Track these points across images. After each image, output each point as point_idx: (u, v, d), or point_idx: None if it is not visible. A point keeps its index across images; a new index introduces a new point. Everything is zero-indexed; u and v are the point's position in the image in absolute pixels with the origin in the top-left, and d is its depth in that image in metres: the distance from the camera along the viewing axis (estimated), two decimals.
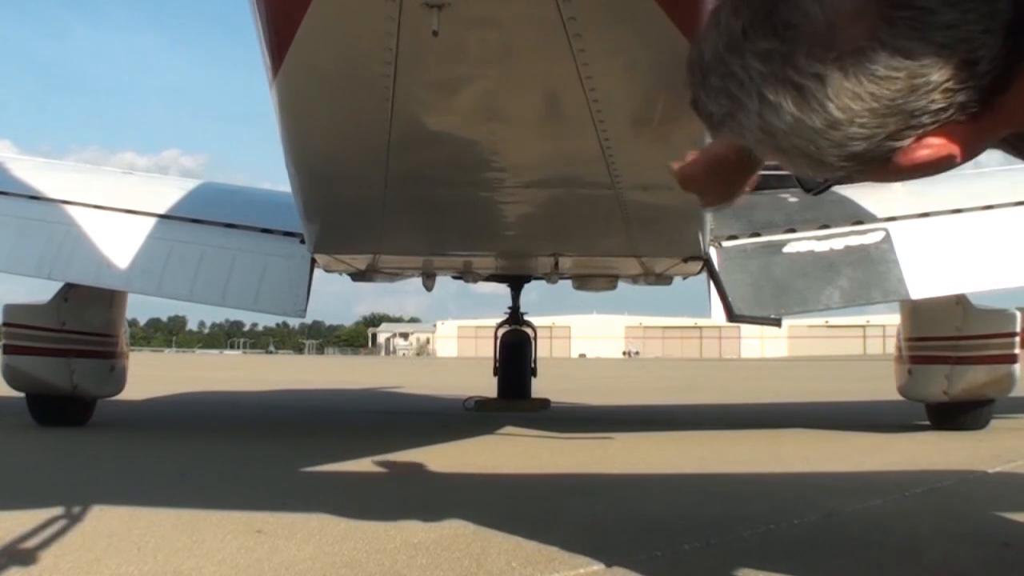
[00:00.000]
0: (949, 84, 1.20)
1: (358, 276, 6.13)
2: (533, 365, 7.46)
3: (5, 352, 5.70)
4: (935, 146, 1.27)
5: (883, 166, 1.28)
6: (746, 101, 1.22)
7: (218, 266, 5.32)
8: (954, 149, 1.29)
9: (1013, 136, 1.50)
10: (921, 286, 5.05)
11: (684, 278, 6.13)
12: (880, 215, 5.17)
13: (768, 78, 1.19)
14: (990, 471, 3.51)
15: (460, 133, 3.14)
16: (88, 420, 5.78)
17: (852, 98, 1.19)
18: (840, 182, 1.40)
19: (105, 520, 2.54)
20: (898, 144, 1.24)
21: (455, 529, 2.40)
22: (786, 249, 5.15)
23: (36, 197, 5.55)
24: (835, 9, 1.19)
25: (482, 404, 7.06)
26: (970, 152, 1.35)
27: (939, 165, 1.31)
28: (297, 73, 2.66)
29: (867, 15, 1.18)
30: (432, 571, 1.99)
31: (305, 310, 5.16)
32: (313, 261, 5.18)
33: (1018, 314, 5.73)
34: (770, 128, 1.22)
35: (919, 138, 1.25)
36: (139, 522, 2.52)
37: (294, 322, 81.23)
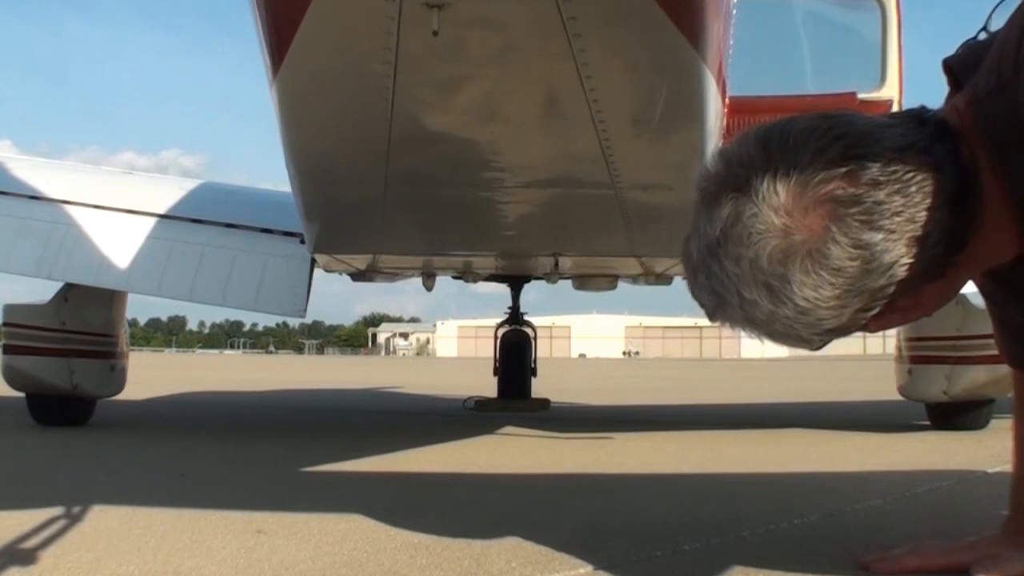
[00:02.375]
0: (903, 260, 1.33)
1: (358, 276, 6.13)
2: (533, 365, 7.46)
3: (5, 352, 5.70)
4: (904, 309, 1.41)
5: (862, 329, 1.43)
6: (728, 298, 1.37)
7: (218, 266, 5.32)
8: (923, 309, 1.45)
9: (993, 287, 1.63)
10: None
11: (684, 278, 6.12)
12: None
13: (742, 279, 1.34)
14: (990, 471, 3.51)
15: (460, 133, 3.14)
16: (88, 420, 5.78)
17: (814, 289, 1.32)
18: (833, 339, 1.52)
19: (105, 520, 2.54)
20: (869, 314, 1.38)
21: (455, 529, 2.39)
22: None
23: (36, 197, 5.55)
24: (788, 214, 1.31)
25: (482, 404, 7.06)
26: (940, 303, 1.56)
27: (911, 320, 1.47)
28: (297, 73, 2.66)
29: (819, 216, 1.31)
30: (432, 571, 1.99)
31: (305, 310, 5.16)
32: (313, 261, 5.18)
33: None
34: (752, 318, 1.38)
35: (888, 304, 1.37)
36: (139, 522, 2.52)
37: (294, 322, 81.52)
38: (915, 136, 1.36)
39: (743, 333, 1.44)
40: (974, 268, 1.51)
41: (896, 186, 1.31)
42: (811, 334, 1.39)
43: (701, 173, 1.42)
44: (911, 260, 1.32)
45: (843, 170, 1.31)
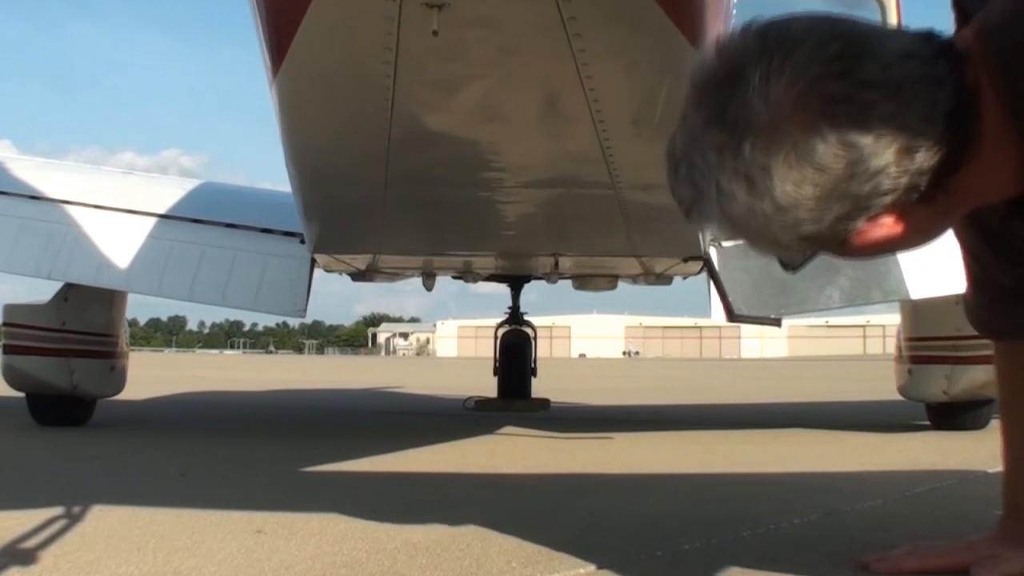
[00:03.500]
0: (891, 170, 1.27)
1: (358, 276, 6.12)
2: (533, 365, 7.45)
3: (5, 352, 5.70)
4: (887, 227, 1.34)
5: (841, 245, 1.36)
6: (706, 190, 1.32)
7: (218, 266, 5.32)
8: (907, 231, 1.37)
9: (974, 217, 1.56)
10: (921, 286, 5.05)
11: (684, 278, 6.13)
12: None
13: (722, 169, 1.29)
14: (990, 471, 3.50)
15: (460, 133, 3.15)
16: (88, 420, 5.78)
17: (795, 185, 1.27)
18: (814, 258, 1.46)
19: (105, 520, 2.54)
20: (850, 225, 1.32)
21: (455, 529, 2.40)
22: None
23: (36, 197, 5.55)
24: (778, 106, 1.27)
25: (482, 404, 7.06)
26: (928, 233, 1.46)
27: (894, 245, 1.39)
28: (297, 73, 2.66)
29: (808, 110, 1.26)
30: (432, 571, 1.99)
31: (305, 310, 5.16)
32: (313, 261, 5.18)
33: None
34: (728, 214, 1.32)
35: (871, 219, 1.32)
36: (139, 522, 2.52)
37: (294, 322, 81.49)
38: (919, 47, 1.32)
39: (721, 234, 1.40)
40: (967, 200, 1.44)
41: (892, 91, 1.26)
42: (789, 238, 1.33)
43: (696, 66, 1.37)
44: (899, 171, 1.28)
45: (839, 67, 1.26)
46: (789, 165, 1.26)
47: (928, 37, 1.36)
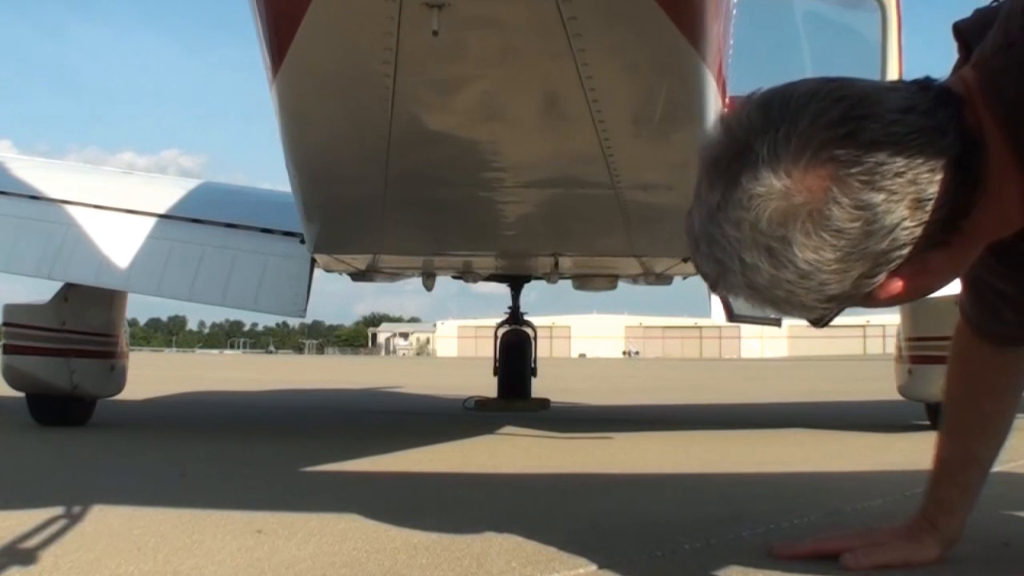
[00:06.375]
0: (905, 224, 1.31)
1: (358, 276, 6.13)
2: (533, 365, 7.46)
3: (5, 352, 5.70)
4: (908, 277, 1.38)
5: (866, 299, 1.40)
6: (730, 264, 1.35)
7: (218, 266, 5.32)
8: (928, 278, 1.41)
9: (988, 255, 1.60)
10: None
11: (684, 278, 6.14)
12: None
13: (743, 243, 1.33)
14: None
15: (460, 133, 3.15)
16: (88, 420, 5.78)
17: (815, 251, 1.31)
18: (840, 312, 1.48)
19: (105, 520, 2.54)
20: (873, 281, 1.36)
21: (455, 529, 2.40)
22: None
23: (36, 197, 5.55)
24: (790, 177, 1.30)
25: (482, 404, 7.07)
26: (948, 275, 1.48)
27: (918, 292, 1.43)
28: (297, 73, 2.66)
29: (819, 177, 1.29)
30: (432, 571, 1.99)
31: (305, 310, 5.16)
32: (313, 261, 5.19)
33: None
34: (753, 284, 1.36)
35: (892, 272, 1.36)
36: (139, 522, 2.52)
37: (294, 322, 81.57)
38: (917, 100, 1.35)
39: (747, 303, 1.40)
40: (981, 238, 1.48)
41: (897, 147, 1.29)
42: (814, 300, 1.36)
43: (702, 141, 1.41)
44: (914, 224, 1.31)
45: (844, 131, 1.29)
46: (807, 233, 1.30)
47: (925, 87, 1.40)
